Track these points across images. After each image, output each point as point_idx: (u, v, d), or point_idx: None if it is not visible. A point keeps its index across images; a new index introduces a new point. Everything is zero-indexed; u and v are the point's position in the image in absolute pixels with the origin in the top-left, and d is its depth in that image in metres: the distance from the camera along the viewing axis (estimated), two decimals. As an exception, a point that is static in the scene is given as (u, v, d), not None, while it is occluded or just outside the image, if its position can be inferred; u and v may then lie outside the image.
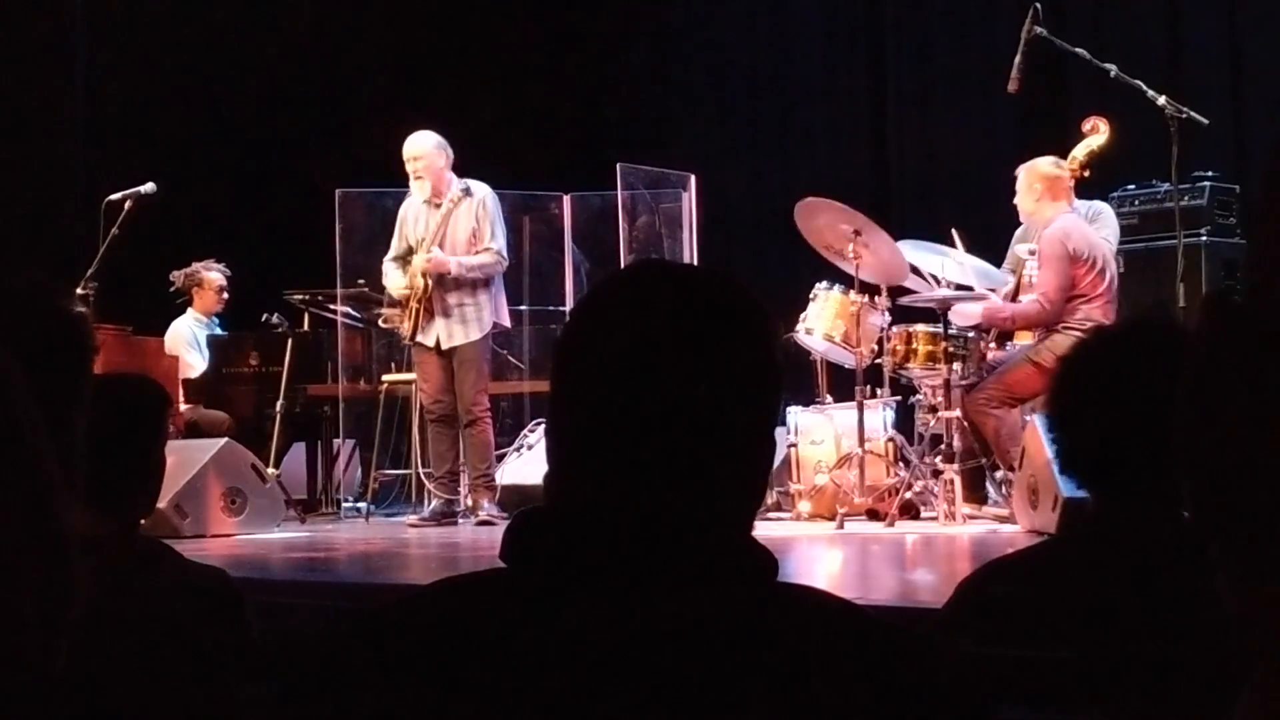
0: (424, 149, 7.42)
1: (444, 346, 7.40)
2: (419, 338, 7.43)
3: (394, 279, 7.51)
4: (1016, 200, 6.91)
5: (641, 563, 1.22)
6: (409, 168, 7.44)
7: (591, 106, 11.25)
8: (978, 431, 6.66)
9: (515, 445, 8.18)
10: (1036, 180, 6.78)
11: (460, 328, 7.40)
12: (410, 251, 7.48)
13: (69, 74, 10.00)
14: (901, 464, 6.95)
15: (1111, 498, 2.08)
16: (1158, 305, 7.06)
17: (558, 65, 11.11)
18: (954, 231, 7.17)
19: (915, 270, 7.01)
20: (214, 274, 8.87)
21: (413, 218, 7.50)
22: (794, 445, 7.21)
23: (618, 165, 8.41)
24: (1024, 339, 7.20)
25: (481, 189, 7.48)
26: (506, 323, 7.72)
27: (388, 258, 7.58)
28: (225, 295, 8.93)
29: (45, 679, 0.80)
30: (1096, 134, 7.23)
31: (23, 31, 9.61)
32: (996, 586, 2.10)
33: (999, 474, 6.66)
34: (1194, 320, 0.97)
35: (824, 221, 7.03)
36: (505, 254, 7.52)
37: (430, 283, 7.33)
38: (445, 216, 7.37)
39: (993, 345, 7.09)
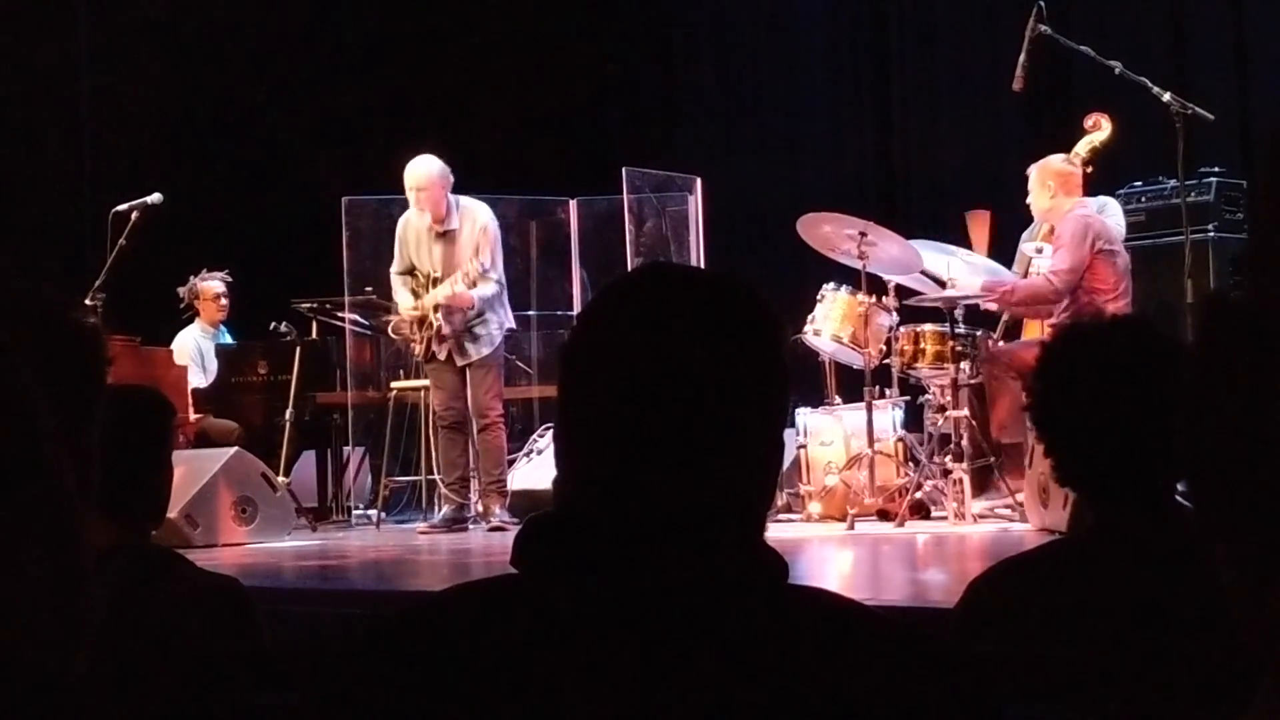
0: (429, 179, 7.31)
1: (459, 364, 7.43)
2: (433, 354, 7.45)
3: (404, 299, 7.50)
4: (1030, 200, 6.93)
5: (652, 567, 1.22)
6: (411, 196, 7.36)
7: (596, 110, 11.25)
8: (983, 395, 6.66)
9: (525, 450, 8.19)
10: (1050, 178, 6.82)
11: (472, 345, 7.43)
12: (414, 268, 7.48)
13: (74, 84, 10.01)
14: (911, 464, 6.94)
15: (1109, 502, 2.08)
16: (1159, 305, 7.08)
17: (562, 70, 11.11)
18: (971, 217, 7.19)
19: (923, 272, 7.02)
20: (209, 283, 8.87)
21: (414, 241, 7.47)
22: (803, 447, 7.21)
23: (623, 169, 8.41)
24: (1032, 332, 7.20)
25: (483, 212, 7.46)
26: (512, 324, 7.74)
27: (394, 271, 7.58)
28: (224, 302, 8.92)
29: (64, 692, 0.80)
30: (1099, 130, 7.27)
31: (28, 42, 9.63)
32: (1007, 586, 2.10)
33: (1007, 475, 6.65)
34: (1194, 320, 0.97)
35: (829, 229, 7.04)
36: (503, 280, 7.54)
37: (440, 323, 7.33)
38: (450, 246, 7.36)
39: (1001, 344, 7.09)
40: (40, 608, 0.80)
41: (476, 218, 7.41)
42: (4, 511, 0.80)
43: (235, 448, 7.33)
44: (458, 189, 7.50)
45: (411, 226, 7.47)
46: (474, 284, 7.29)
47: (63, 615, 0.81)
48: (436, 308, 7.34)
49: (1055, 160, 6.93)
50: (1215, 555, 0.93)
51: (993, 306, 7.04)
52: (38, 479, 0.82)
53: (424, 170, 7.34)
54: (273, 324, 8.81)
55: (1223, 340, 0.89)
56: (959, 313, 6.85)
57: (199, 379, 8.72)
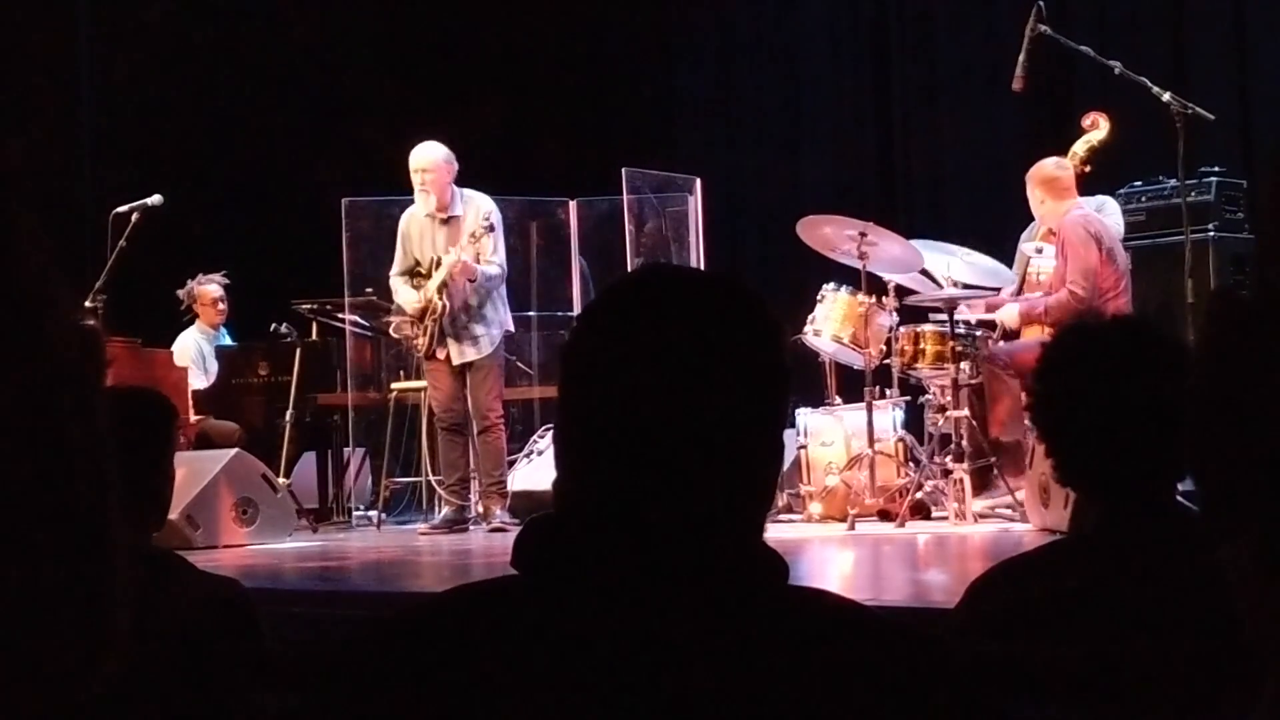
0: (433, 162, 7.35)
1: (456, 363, 7.42)
2: (434, 352, 7.44)
3: (406, 296, 7.49)
4: (1031, 206, 6.95)
5: (652, 568, 1.22)
6: (415, 179, 7.39)
7: (596, 111, 11.25)
8: (982, 393, 6.68)
9: (525, 451, 8.18)
10: (1042, 182, 6.84)
11: (472, 344, 7.41)
12: (416, 266, 7.47)
13: (75, 86, 10.02)
14: (911, 464, 6.94)
15: (1110, 502, 2.08)
16: (1159, 305, 7.08)
17: (563, 71, 11.12)
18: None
19: (924, 272, 7.03)
20: (208, 287, 8.87)
21: (417, 234, 7.47)
22: (804, 447, 7.21)
23: (623, 170, 8.41)
24: (1032, 333, 7.19)
25: (486, 202, 7.46)
26: (511, 327, 7.74)
27: (394, 273, 7.57)
28: (223, 307, 8.93)
29: (78, 712, 0.80)
30: (1097, 129, 7.28)
31: (29, 44, 9.64)
32: (1007, 587, 2.10)
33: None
34: (1202, 317, 0.97)
35: (829, 230, 7.04)
36: (505, 266, 7.55)
37: (445, 304, 7.32)
38: (454, 233, 7.36)
39: (1001, 344, 7.09)
40: (66, 614, 0.79)
41: (480, 206, 7.42)
42: (33, 508, 0.79)
43: (236, 449, 7.33)
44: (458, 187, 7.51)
45: (415, 219, 7.48)
46: (477, 258, 7.29)
47: (88, 621, 0.80)
48: (440, 290, 7.32)
49: (1048, 164, 6.93)
50: (1219, 554, 0.93)
51: (988, 315, 7.03)
52: (68, 473, 0.81)
53: (429, 154, 7.38)
54: (273, 325, 8.81)
55: (1230, 337, 0.89)
56: (959, 313, 6.86)
57: (200, 380, 8.72)
